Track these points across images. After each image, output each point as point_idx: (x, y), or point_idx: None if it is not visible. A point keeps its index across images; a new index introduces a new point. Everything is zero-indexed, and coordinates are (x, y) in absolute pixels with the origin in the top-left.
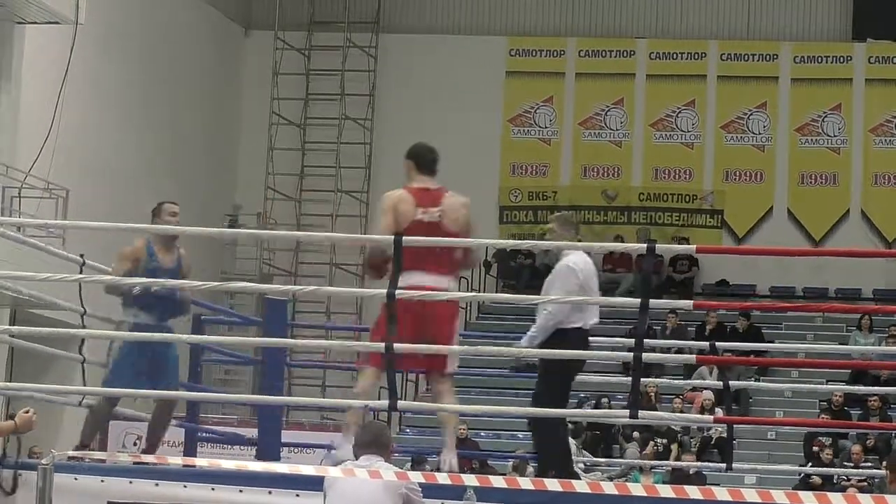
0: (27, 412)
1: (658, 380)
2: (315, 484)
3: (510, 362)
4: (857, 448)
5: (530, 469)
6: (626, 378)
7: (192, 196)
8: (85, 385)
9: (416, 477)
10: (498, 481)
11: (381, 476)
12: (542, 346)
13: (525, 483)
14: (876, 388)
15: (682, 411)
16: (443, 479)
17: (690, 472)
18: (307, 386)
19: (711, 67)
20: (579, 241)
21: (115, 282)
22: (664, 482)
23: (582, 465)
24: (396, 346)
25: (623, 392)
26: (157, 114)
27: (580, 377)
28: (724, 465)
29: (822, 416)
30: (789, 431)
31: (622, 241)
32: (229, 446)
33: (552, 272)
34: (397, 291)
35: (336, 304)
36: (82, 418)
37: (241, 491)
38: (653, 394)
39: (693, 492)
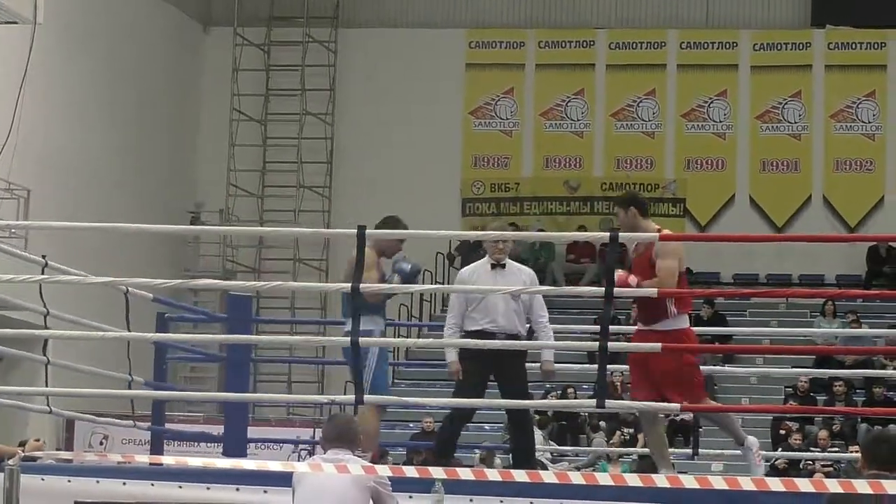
0: (38, 441)
1: (623, 366)
2: (282, 480)
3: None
4: (823, 433)
5: (497, 460)
6: (591, 367)
7: (154, 194)
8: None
9: (384, 470)
10: (465, 473)
11: (349, 470)
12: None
13: (493, 475)
14: (841, 371)
15: None
16: (410, 472)
17: None
18: (273, 382)
19: (671, 56)
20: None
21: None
22: (631, 471)
23: (549, 456)
24: None
25: (589, 382)
26: (118, 112)
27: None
28: (690, 453)
29: (789, 402)
30: (756, 418)
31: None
32: (196, 444)
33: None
34: None
35: (300, 299)
36: (48, 420)
37: (208, 488)
38: (619, 383)
39: (660, 480)
